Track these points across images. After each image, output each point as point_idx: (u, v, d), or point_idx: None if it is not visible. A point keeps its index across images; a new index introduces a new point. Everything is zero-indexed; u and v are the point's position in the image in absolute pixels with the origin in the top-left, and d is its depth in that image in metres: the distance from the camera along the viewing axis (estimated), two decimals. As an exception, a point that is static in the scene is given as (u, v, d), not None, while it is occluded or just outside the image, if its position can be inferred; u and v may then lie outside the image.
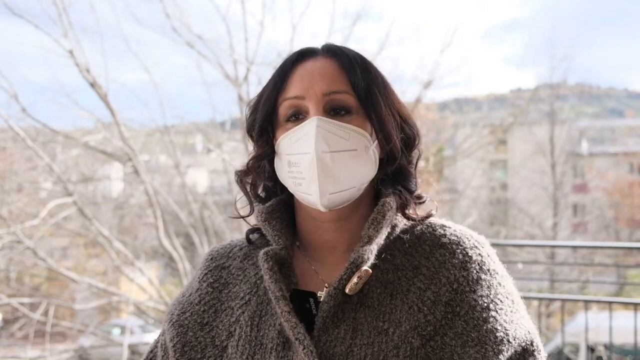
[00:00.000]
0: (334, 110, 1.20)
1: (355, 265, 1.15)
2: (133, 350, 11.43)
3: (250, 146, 1.31)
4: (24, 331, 10.50)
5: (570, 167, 25.66)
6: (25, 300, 10.64)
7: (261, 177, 1.29)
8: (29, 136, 9.79)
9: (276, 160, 1.25)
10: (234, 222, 12.07)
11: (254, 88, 10.50)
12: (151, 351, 1.37)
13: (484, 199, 23.87)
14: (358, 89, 1.20)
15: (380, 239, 1.19)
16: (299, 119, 1.21)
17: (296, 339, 1.12)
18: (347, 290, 1.15)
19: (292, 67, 1.24)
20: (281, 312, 1.15)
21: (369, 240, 1.17)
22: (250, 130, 1.29)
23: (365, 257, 1.15)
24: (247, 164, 1.28)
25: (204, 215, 11.85)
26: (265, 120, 1.24)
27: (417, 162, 1.29)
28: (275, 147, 1.24)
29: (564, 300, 5.97)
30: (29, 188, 11.58)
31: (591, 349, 6.78)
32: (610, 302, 4.96)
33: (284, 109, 1.22)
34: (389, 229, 1.21)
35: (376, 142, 1.22)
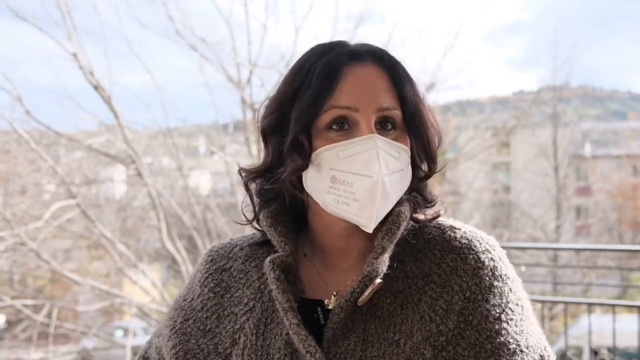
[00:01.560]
0: (380, 124, 1.14)
1: (369, 279, 1.11)
2: (136, 352, 11.41)
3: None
4: (27, 333, 10.52)
5: (573, 170, 25.62)
6: (29, 302, 10.65)
7: (289, 188, 1.19)
8: (32, 138, 9.80)
9: (310, 171, 1.16)
10: (236, 224, 12.05)
11: (257, 91, 10.51)
12: (144, 353, 1.35)
13: (487, 202, 23.84)
14: (407, 105, 1.15)
15: (391, 249, 1.15)
16: (343, 129, 1.13)
17: (307, 352, 1.09)
18: (359, 303, 1.11)
19: (342, 69, 1.14)
20: (290, 325, 1.11)
21: (382, 251, 1.13)
22: (269, 129, 1.20)
23: (380, 270, 1.12)
24: (280, 178, 1.16)
25: (206, 217, 11.85)
26: (305, 127, 1.14)
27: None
28: (314, 156, 1.14)
29: (567, 303, 5.95)
30: (32, 190, 11.60)
31: (594, 352, 6.76)
32: (613, 305, 4.95)
33: (328, 116, 1.13)
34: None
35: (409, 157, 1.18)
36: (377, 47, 1.20)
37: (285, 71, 1.23)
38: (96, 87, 9.75)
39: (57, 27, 9.65)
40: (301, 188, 1.19)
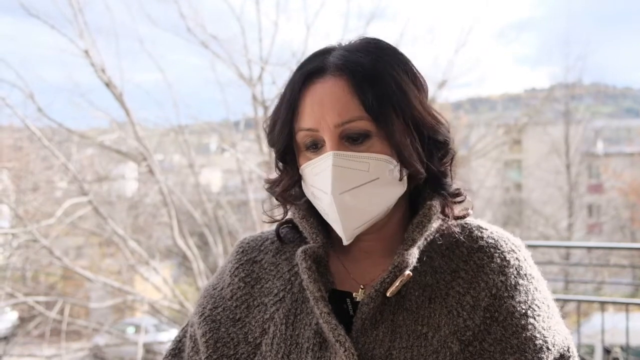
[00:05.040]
0: (351, 138, 1.13)
1: (399, 270, 1.13)
2: (147, 349, 11.48)
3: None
4: (40, 329, 10.58)
5: (586, 168, 25.48)
6: (41, 298, 10.72)
7: (292, 201, 1.25)
8: (45, 136, 9.87)
9: (303, 185, 1.21)
10: (247, 221, 12.08)
11: (268, 88, 10.55)
12: (179, 340, 1.35)
13: (498, 199, 23.75)
14: (371, 111, 1.12)
15: (421, 242, 1.17)
16: (317, 147, 1.16)
17: (337, 340, 1.10)
18: (388, 293, 1.13)
19: (302, 91, 1.16)
20: (320, 313, 1.13)
21: (413, 244, 1.15)
22: (270, 145, 1.25)
23: (409, 261, 1.13)
24: (275, 193, 1.25)
25: (217, 214, 11.87)
26: (286, 148, 1.20)
27: (452, 161, 1.23)
28: (300, 172, 1.20)
29: (579, 302, 5.90)
30: (44, 187, 11.65)
31: (607, 351, 6.72)
32: (627, 304, 4.90)
33: (300, 137, 1.17)
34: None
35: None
36: (345, 57, 1.17)
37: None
38: (108, 85, 9.80)
39: (69, 24, 9.72)
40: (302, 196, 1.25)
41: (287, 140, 1.18)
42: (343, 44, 1.21)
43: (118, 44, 13.01)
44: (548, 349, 1.17)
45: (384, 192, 1.15)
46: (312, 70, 1.17)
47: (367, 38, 1.22)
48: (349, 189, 1.12)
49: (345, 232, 1.14)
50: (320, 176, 1.14)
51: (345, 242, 1.16)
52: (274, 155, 1.27)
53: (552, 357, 1.18)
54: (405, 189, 1.18)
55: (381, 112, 1.12)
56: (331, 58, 1.17)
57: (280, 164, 1.24)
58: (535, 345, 1.15)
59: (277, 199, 1.27)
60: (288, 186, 1.22)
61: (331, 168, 1.11)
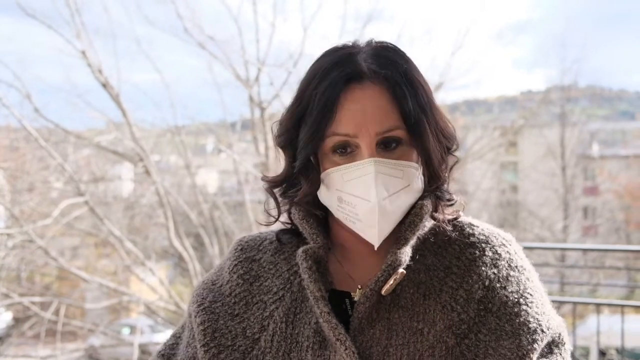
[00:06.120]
0: (384, 144, 1.15)
1: (392, 268, 1.15)
2: (143, 349, 11.45)
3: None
4: (35, 330, 10.57)
5: (581, 170, 25.53)
6: (36, 299, 10.70)
7: (309, 207, 1.24)
8: (41, 136, 9.86)
9: (322, 189, 1.21)
10: (244, 222, 12.08)
11: (265, 89, 10.54)
12: (178, 336, 1.36)
13: (494, 201, 23.79)
14: (409, 121, 1.14)
15: (414, 241, 1.20)
16: (347, 152, 1.16)
17: (337, 339, 1.12)
18: (382, 292, 1.15)
19: (338, 95, 1.14)
20: (320, 313, 1.15)
21: (405, 242, 1.17)
22: (282, 146, 1.23)
23: (403, 260, 1.16)
24: (296, 199, 1.23)
25: (214, 215, 11.87)
26: (310, 153, 1.18)
27: (452, 168, 1.27)
28: (324, 176, 1.19)
29: (575, 304, 5.92)
30: (40, 188, 11.63)
31: (602, 353, 6.74)
32: (622, 306, 4.92)
33: (331, 141, 1.16)
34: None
35: (422, 167, 1.19)
36: (382, 61, 1.17)
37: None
38: (105, 85, 9.80)
39: (66, 25, 9.72)
40: (317, 203, 1.24)
41: (318, 145, 1.16)
42: (361, 45, 1.20)
43: (115, 45, 12.99)
44: (542, 331, 1.19)
45: (409, 198, 1.18)
46: (351, 74, 1.15)
47: (384, 42, 1.22)
48: (389, 195, 1.14)
49: (379, 238, 1.16)
50: (356, 182, 1.14)
51: (377, 246, 1.17)
52: (280, 157, 1.26)
53: (547, 340, 1.20)
54: (421, 194, 1.21)
55: (417, 122, 1.14)
56: (364, 62, 1.16)
57: (300, 169, 1.20)
58: (529, 328, 1.18)
59: (294, 203, 1.25)
60: (310, 192, 1.21)
61: (374, 175, 1.13)
